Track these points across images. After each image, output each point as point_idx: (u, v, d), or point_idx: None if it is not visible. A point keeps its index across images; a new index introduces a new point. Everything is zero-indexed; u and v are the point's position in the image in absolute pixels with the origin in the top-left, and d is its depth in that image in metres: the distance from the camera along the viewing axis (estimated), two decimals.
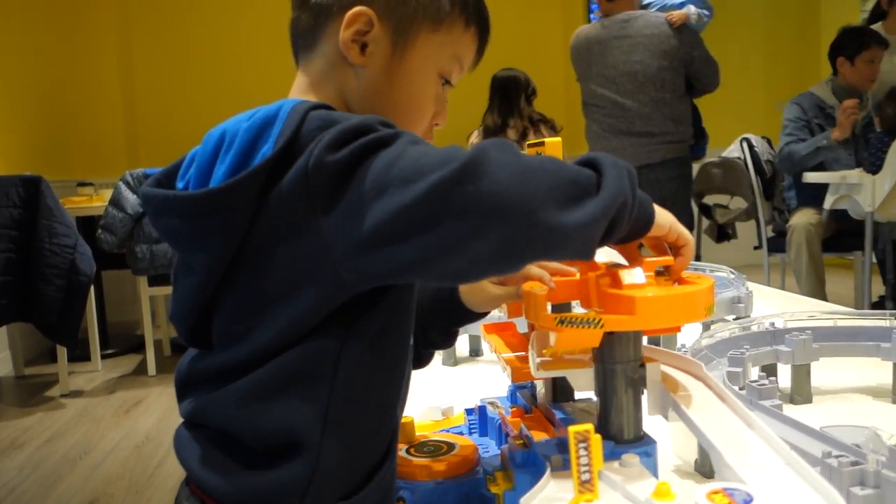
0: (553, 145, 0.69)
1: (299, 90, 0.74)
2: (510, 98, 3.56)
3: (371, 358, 0.63)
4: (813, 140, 3.14)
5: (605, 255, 0.73)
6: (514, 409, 0.79)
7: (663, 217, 0.61)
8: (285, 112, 0.61)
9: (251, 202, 0.59)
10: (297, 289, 0.60)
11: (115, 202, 3.44)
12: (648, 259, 0.62)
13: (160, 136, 4.96)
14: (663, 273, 0.61)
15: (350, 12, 0.69)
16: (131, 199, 3.42)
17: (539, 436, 0.69)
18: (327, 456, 0.61)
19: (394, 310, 0.65)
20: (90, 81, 5.00)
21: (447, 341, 0.90)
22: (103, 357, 3.87)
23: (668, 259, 0.63)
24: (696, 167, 3.47)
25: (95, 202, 3.80)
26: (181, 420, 0.69)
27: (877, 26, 3.49)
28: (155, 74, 5.16)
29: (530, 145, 0.75)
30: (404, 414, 0.85)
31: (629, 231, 0.58)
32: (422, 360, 0.89)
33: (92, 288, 3.35)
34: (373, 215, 0.53)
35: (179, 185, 0.66)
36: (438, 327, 0.87)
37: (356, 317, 0.62)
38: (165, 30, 5.15)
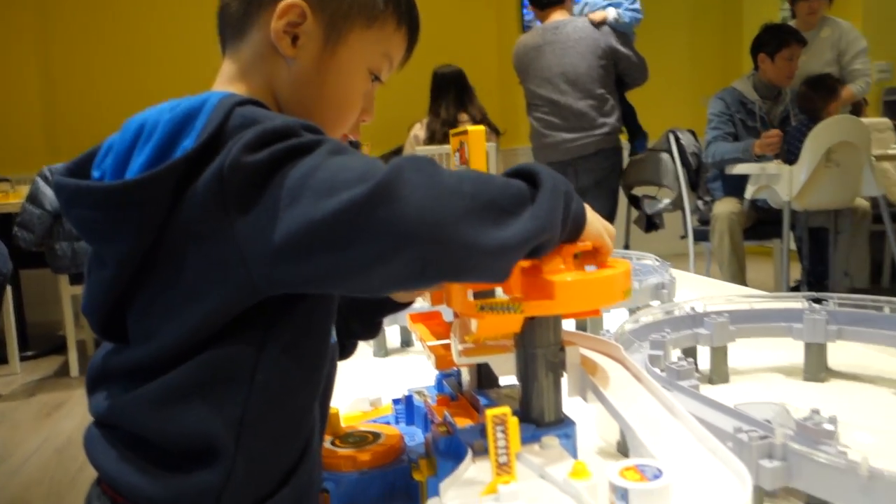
0: (476, 133, 0.69)
1: (226, 79, 0.72)
2: (465, 91, 3.59)
3: (289, 361, 0.62)
4: (735, 148, 3.25)
5: None
6: (439, 397, 0.80)
7: (593, 227, 0.61)
8: (210, 105, 0.59)
9: (168, 197, 0.57)
10: (209, 289, 0.58)
11: (33, 198, 3.30)
12: (566, 245, 0.63)
13: (79, 130, 4.73)
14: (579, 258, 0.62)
15: (283, 3, 0.68)
16: (49, 195, 3.28)
17: (463, 422, 0.69)
18: (242, 460, 0.60)
19: (313, 312, 0.64)
20: (6, 75, 4.78)
21: (371, 332, 0.89)
22: (22, 359, 3.71)
23: (587, 245, 0.64)
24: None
25: (12, 199, 3.63)
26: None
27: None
28: (73, 67, 4.95)
29: (454, 134, 0.75)
30: (330, 405, 0.85)
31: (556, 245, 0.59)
32: (345, 352, 0.87)
33: (9, 288, 3.20)
34: (284, 225, 0.52)
35: (95, 174, 0.63)
36: (361, 318, 0.86)
37: (274, 320, 0.61)
38: (84, 22, 4.94)
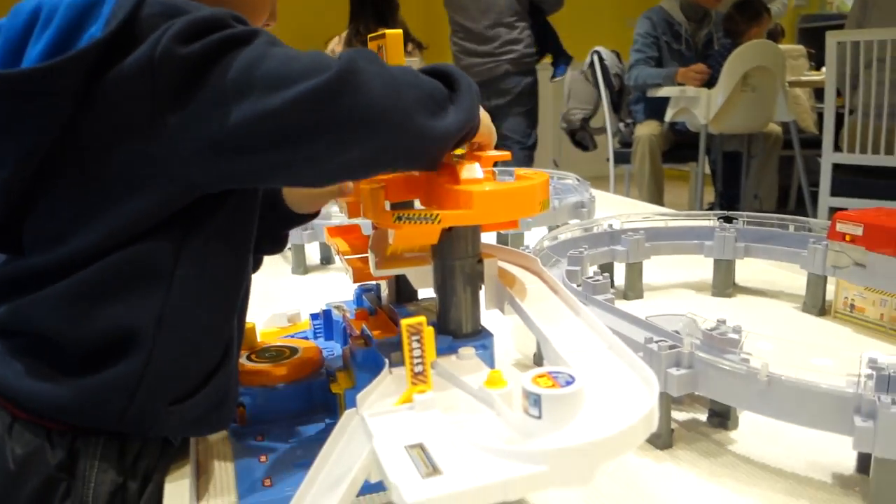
0: (393, 37, 0.66)
1: None
2: (387, 5, 3.48)
3: (213, 256, 0.61)
4: (658, 73, 3.27)
5: None
6: (358, 311, 0.79)
7: (485, 125, 0.62)
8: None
9: (75, 88, 0.53)
10: (138, 187, 0.56)
11: None
12: (486, 154, 0.62)
13: None
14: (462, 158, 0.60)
15: None
16: None
17: (381, 335, 0.68)
18: (160, 356, 0.58)
19: (238, 208, 0.62)
20: None
21: (276, 246, 0.86)
22: None
23: (505, 154, 0.63)
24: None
25: None
26: None
27: None
28: None
29: (371, 38, 0.71)
30: (247, 320, 0.83)
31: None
32: (254, 265, 0.85)
33: None
34: (233, 117, 0.51)
35: None
36: (265, 231, 0.83)
37: (198, 215, 0.59)
38: None
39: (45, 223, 0.59)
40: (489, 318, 0.67)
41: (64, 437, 0.61)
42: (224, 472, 0.67)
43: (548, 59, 3.43)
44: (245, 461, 0.67)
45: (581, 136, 3.71)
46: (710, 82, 3.08)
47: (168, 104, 0.52)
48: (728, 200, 3.49)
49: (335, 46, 3.55)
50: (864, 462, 0.64)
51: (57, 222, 0.58)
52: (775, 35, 3.85)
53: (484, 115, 0.62)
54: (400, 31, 0.67)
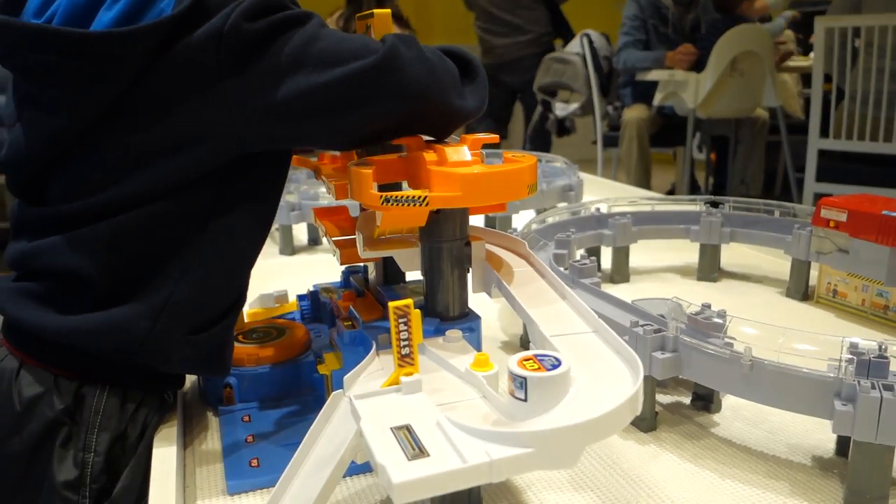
0: (381, 16, 0.66)
1: None
2: None
3: (244, 207, 0.65)
4: (647, 56, 3.27)
5: None
6: (345, 293, 0.79)
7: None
8: None
9: (147, 54, 0.58)
10: (187, 145, 0.60)
11: None
12: (474, 136, 0.61)
13: None
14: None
15: None
16: None
17: (368, 317, 0.68)
18: (184, 290, 0.63)
19: (272, 164, 0.67)
20: None
21: None
22: None
23: (493, 137, 0.63)
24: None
25: None
26: None
27: None
28: None
29: (359, 17, 0.71)
30: None
31: None
32: None
33: None
34: (288, 88, 0.58)
35: (32, 18, 0.60)
36: None
37: (236, 170, 0.63)
38: None
39: (85, 173, 0.62)
40: (477, 300, 0.67)
41: (70, 383, 0.64)
42: (211, 452, 0.68)
43: (558, 42, 3.61)
44: (232, 442, 0.67)
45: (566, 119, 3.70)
46: (700, 62, 3.07)
47: (230, 72, 0.58)
48: (716, 185, 3.50)
49: (333, 23, 3.51)
50: (843, 445, 0.65)
51: (97, 174, 0.62)
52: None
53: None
54: (388, 10, 0.67)
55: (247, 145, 0.62)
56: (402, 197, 0.56)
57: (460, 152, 0.59)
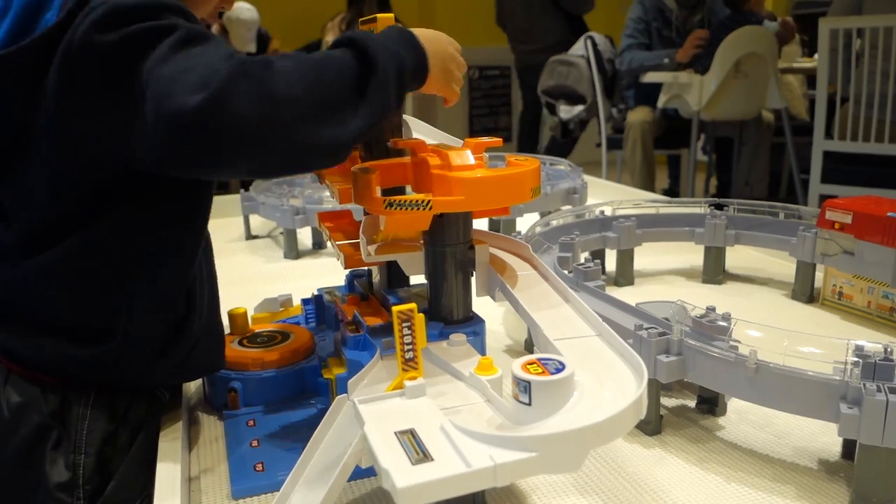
0: (384, 21, 0.66)
1: None
2: None
3: (166, 231, 0.64)
4: (655, 56, 3.26)
5: (436, 137, 0.72)
6: (350, 297, 0.79)
7: (436, 79, 0.62)
8: None
9: (36, 71, 0.55)
10: (80, 164, 0.59)
11: None
12: (477, 140, 0.62)
13: None
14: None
15: None
16: None
17: (373, 321, 0.68)
18: (130, 322, 0.63)
19: (181, 193, 0.64)
20: None
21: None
22: None
23: (496, 141, 0.63)
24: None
25: None
26: None
27: None
28: None
29: (363, 22, 0.71)
30: (237, 305, 0.83)
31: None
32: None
33: None
34: (128, 118, 0.53)
35: None
36: None
37: (141, 188, 0.61)
38: None
39: (13, 198, 0.62)
40: (481, 304, 0.67)
41: (57, 389, 0.65)
42: (216, 456, 0.68)
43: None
44: (237, 446, 0.67)
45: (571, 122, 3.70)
46: (702, 67, 3.07)
47: (84, 90, 0.54)
48: (721, 187, 3.50)
49: (329, 35, 3.52)
50: (849, 448, 0.65)
51: (22, 198, 0.61)
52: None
53: (438, 66, 0.61)
54: (391, 15, 0.67)
55: (119, 165, 0.58)
56: (405, 201, 0.56)
57: (463, 156, 0.59)
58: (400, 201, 0.56)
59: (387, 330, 0.65)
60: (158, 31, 0.52)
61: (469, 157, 0.59)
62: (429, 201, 0.56)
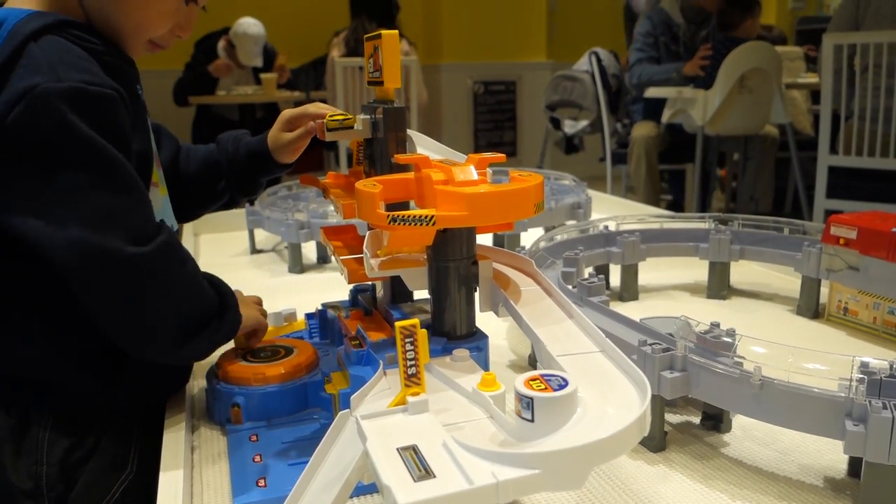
0: (389, 38, 0.67)
1: None
2: (391, 8, 3.49)
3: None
4: (665, 69, 3.28)
5: (440, 152, 0.72)
6: (353, 311, 0.79)
7: (247, 323, 0.76)
8: (5, 31, 0.61)
9: None
10: None
11: None
12: (481, 156, 0.62)
13: None
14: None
15: None
16: None
17: (376, 336, 0.68)
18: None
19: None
20: None
21: (258, 190, 0.96)
22: None
23: (499, 157, 0.63)
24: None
25: None
26: None
27: None
28: None
29: (367, 39, 0.72)
30: None
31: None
32: (235, 204, 0.96)
33: None
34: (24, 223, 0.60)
35: None
36: (252, 178, 0.92)
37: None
38: None
39: None
40: (485, 319, 0.67)
41: (18, 406, 0.69)
42: (218, 472, 0.67)
43: None
44: (239, 461, 0.67)
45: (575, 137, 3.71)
46: (706, 83, 3.08)
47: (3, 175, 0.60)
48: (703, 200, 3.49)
49: (335, 51, 3.53)
50: (855, 466, 0.65)
51: None
52: (776, 40, 3.86)
53: (246, 315, 0.75)
54: (396, 31, 0.68)
55: None
56: (409, 216, 0.56)
57: (467, 171, 0.59)
58: (403, 216, 0.56)
59: (390, 344, 0.65)
60: (67, 162, 0.60)
61: (472, 173, 0.59)
62: (432, 216, 0.56)
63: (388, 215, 0.57)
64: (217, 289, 0.70)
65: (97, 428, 0.71)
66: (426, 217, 0.56)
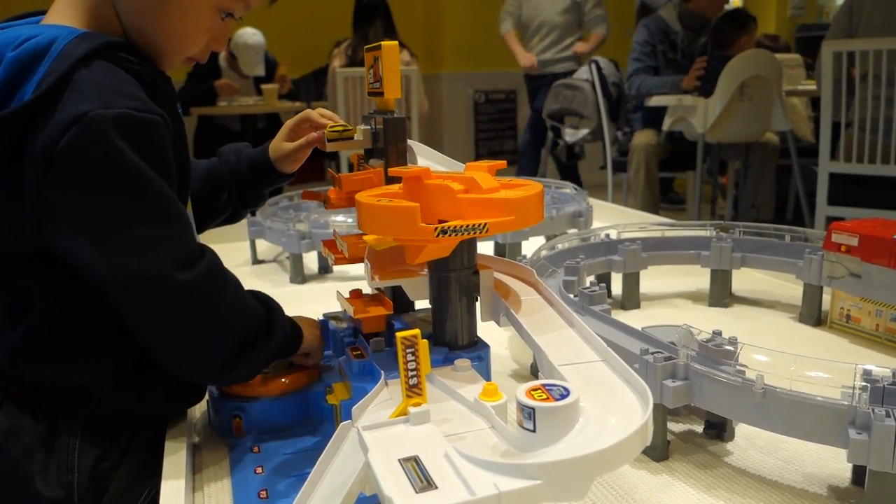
0: (389, 48, 0.67)
1: None
2: (391, 19, 3.51)
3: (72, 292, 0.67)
4: (663, 82, 3.28)
5: (438, 161, 0.72)
6: (353, 291, 0.77)
7: (307, 343, 0.75)
8: (55, 52, 0.61)
9: (8, 143, 0.60)
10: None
11: None
12: (490, 163, 0.62)
13: None
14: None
15: None
16: None
17: (378, 311, 0.69)
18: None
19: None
20: None
21: (261, 202, 0.96)
22: None
23: (500, 163, 0.63)
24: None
25: None
26: None
27: None
28: None
29: (368, 49, 0.72)
30: None
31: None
32: (239, 217, 0.97)
33: None
34: (84, 254, 0.61)
35: None
36: (255, 189, 0.92)
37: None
38: None
39: None
40: (486, 327, 0.67)
41: (47, 417, 0.69)
42: (220, 483, 0.67)
43: None
44: (241, 473, 0.67)
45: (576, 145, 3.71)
46: (706, 91, 3.08)
47: (49, 186, 0.60)
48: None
49: (336, 61, 3.54)
50: (859, 474, 0.64)
51: None
52: (780, 51, 3.87)
53: (310, 335, 0.75)
54: (395, 42, 0.68)
55: (43, 248, 0.63)
56: (459, 227, 0.55)
57: (488, 179, 0.59)
58: (454, 228, 0.55)
59: (391, 356, 0.65)
60: (114, 187, 0.60)
61: (493, 180, 0.60)
62: (485, 224, 0.56)
63: (436, 228, 0.56)
64: (265, 304, 0.71)
65: (125, 437, 0.71)
66: (479, 225, 0.56)
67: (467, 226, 0.55)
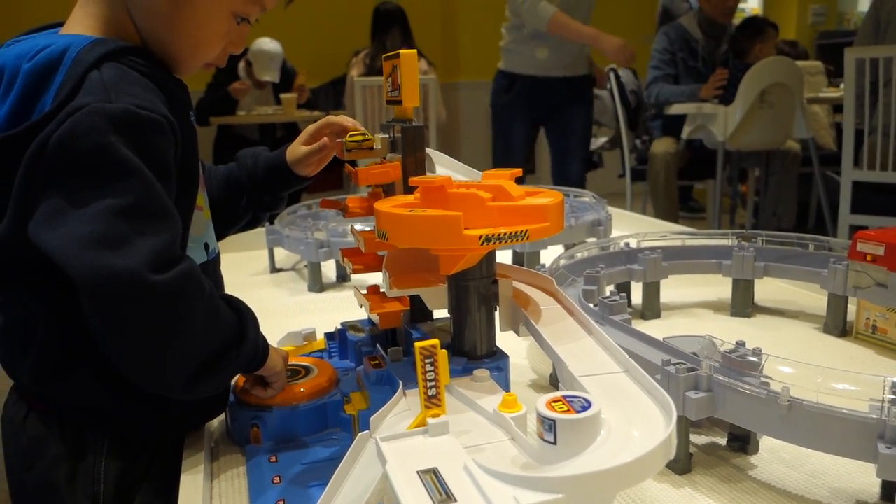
0: (407, 57, 0.67)
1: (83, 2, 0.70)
2: (408, 28, 3.53)
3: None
4: (681, 92, 3.26)
5: (457, 169, 0.72)
6: (370, 287, 0.77)
7: (271, 363, 0.71)
8: (70, 59, 0.61)
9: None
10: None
11: None
12: (495, 171, 0.62)
13: None
14: None
15: None
16: None
17: (394, 307, 0.69)
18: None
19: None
20: None
21: (280, 205, 0.95)
22: None
23: (516, 171, 0.63)
24: None
25: None
26: None
27: None
28: None
29: (386, 58, 0.72)
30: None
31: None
32: (258, 221, 0.95)
33: None
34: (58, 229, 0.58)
35: None
36: (272, 191, 0.92)
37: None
38: None
39: None
40: (505, 338, 0.67)
41: (74, 427, 0.69)
42: (237, 492, 0.67)
43: None
44: (258, 483, 0.66)
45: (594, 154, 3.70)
46: (727, 99, 3.06)
47: (36, 182, 0.59)
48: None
49: (354, 70, 3.56)
50: (888, 490, 0.63)
51: None
52: (799, 57, 3.84)
53: (273, 356, 0.71)
54: (414, 51, 0.68)
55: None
56: (503, 235, 0.55)
57: (515, 187, 0.59)
58: (498, 235, 0.55)
59: (410, 365, 0.64)
60: (112, 178, 0.59)
61: (519, 188, 0.60)
62: (526, 231, 0.55)
63: (481, 236, 0.55)
64: (236, 310, 0.67)
65: (149, 449, 0.72)
66: (521, 232, 0.55)
67: (510, 233, 0.55)
